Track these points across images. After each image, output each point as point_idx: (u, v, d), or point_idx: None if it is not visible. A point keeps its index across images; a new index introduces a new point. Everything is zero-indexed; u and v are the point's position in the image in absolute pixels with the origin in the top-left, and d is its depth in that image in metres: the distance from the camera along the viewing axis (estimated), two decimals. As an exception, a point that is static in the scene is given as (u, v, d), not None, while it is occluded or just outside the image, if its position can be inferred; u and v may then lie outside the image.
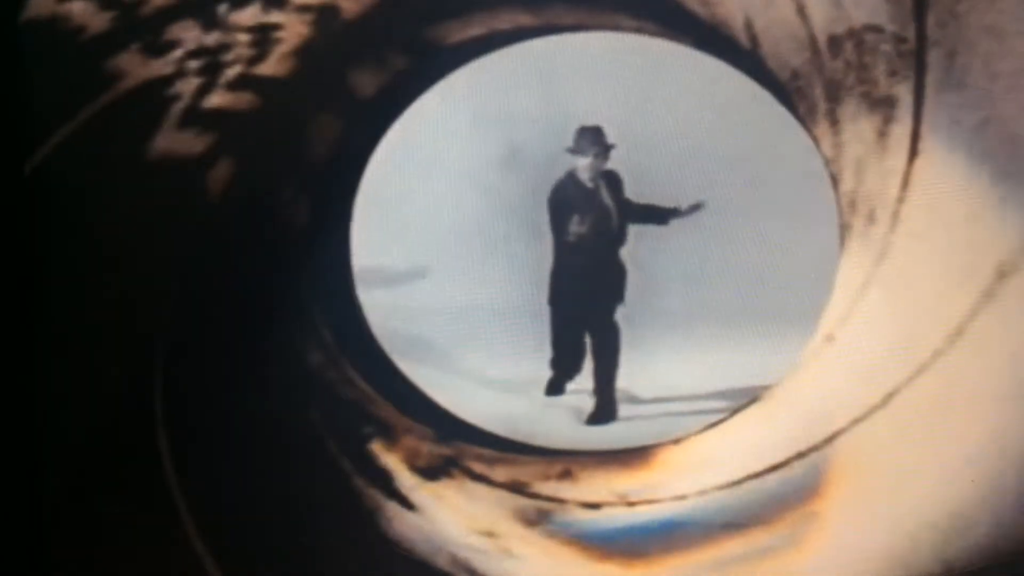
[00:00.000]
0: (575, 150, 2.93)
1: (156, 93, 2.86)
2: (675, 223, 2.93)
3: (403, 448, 2.92)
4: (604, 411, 2.95)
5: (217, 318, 2.89)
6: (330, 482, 2.89)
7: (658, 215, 2.93)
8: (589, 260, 2.95)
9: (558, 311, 2.93)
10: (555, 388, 2.95)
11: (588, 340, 2.96)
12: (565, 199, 2.95)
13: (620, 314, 2.96)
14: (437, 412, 2.93)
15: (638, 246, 2.97)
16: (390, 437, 2.92)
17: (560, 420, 2.94)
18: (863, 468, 2.85)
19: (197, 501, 2.84)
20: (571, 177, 2.95)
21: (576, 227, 2.93)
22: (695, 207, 2.91)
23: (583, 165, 2.94)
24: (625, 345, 2.95)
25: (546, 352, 2.94)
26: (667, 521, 2.88)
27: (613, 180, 2.96)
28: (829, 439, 2.87)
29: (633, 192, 2.98)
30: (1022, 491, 2.81)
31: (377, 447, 2.92)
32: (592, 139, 2.93)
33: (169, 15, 2.87)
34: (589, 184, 2.95)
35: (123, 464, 2.84)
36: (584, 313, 2.95)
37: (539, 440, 2.93)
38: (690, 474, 2.89)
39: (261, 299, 2.89)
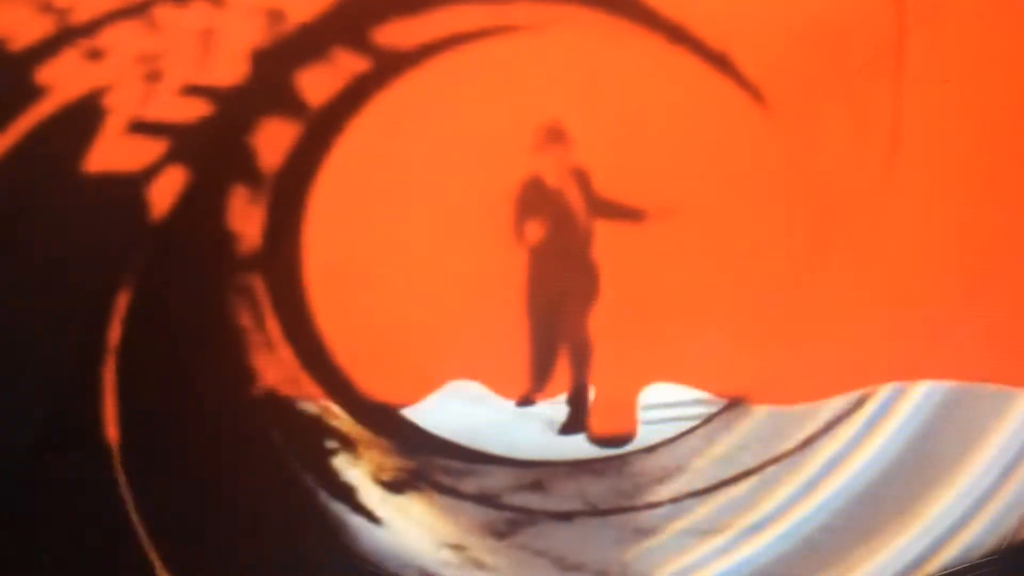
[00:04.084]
0: (536, 150, 2.80)
1: (92, 104, 2.70)
2: (648, 223, 2.82)
3: (368, 462, 2.85)
4: (576, 420, 2.87)
5: (168, 337, 2.78)
6: (293, 499, 2.82)
7: (630, 213, 2.82)
8: (559, 264, 2.84)
9: (532, 319, 2.83)
10: (526, 399, 2.87)
11: (561, 348, 2.87)
12: (525, 203, 2.83)
13: (592, 321, 2.87)
14: (402, 425, 2.85)
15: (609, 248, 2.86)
16: (354, 451, 2.84)
17: (530, 430, 2.87)
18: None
19: (154, 525, 2.76)
20: (533, 180, 2.83)
21: (533, 232, 2.82)
22: (666, 211, 2.80)
23: (546, 165, 2.82)
24: (598, 353, 2.86)
25: (517, 361, 2.85)
26: (639, 529, 2.84)
27: (581, 177, 2.84)
28: (804, 444, 2.83)
29: (602, 190, 2.86)
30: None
31: (341, 462, 2.84)
32: (552, 138, 2.80)
33: (105, 20, 2.71)
34: (552, 185, 2.84)
35: (72, 491, 2.76)
36: (557, 320, 2.85)
37: (508, 451, 2.86)
38: (663, 482, 2.85)
39: (213, 315, 2.78)
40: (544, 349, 2.86)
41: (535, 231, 2.84)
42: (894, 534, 2.81)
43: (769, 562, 2.81)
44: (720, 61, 2.78)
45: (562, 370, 2.88)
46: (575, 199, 2.85)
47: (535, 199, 2.83)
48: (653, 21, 2.77)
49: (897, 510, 2.81)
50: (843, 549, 2.81)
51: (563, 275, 2.86)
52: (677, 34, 2.77)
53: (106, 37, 2.72)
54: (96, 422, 2.73)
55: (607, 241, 2.85)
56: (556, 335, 2.86)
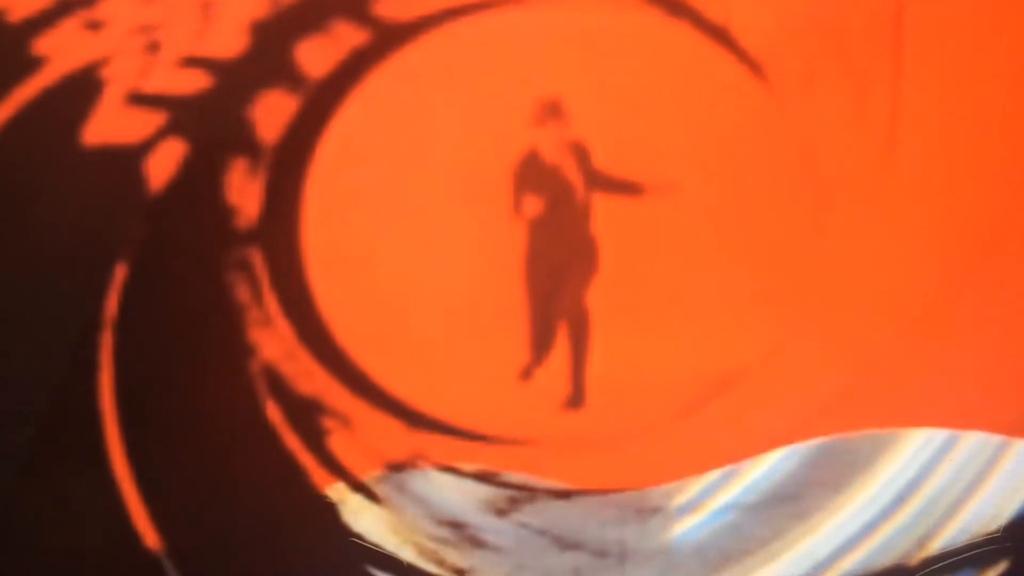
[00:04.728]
0: (535, 124, 2.79)
1: (91, 76, 2.69)
2: (646, 197, 2.81)
3: (367, 440, 2.82)
4: (577, 395, 2.85)
5: (167, 310, 2.76)
6: (292, 477, 2.79)
7: (629, 187, 2.81)
8: (556, 238, 2.83)
9: (531, 293, 2.82)
10: (527, 372, 2.85)
11: (561, 323, 2.85)
12: (522, 178, 2.82)
13: (592, 295, 2.85)
14: (400, 402, 2.83)
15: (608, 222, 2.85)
16: (353, 429, 2.82)
17: (529, 406, 2.84)
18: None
19: (152, 500, 2.73)
20: (532, 154, 2.82)
21: (531, 206, 2.81)
22: (665, 186, 2.79)
23: (544, 139, 2.81)
24: (597, 328, 2.84)
25: (517, 336, 2.83)
26: (641, 508, 2.81)
27: (580, 151, 2.83)
28: (806, 427, 2.82)
29: (601, 164, 2.85)
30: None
31: (339, 440, 2.81)
32: (551, 112, 2.79)
33: (103, -9, 2.70)
34: (551, 159, 2.82)
35: (70, 465, 2.73)
36: (556, 294, 2.84)
37: (507, 427, 2.84)
38: (663, 461, 2.82)
39: (213, 290, 2.76)
40: (543, 322, 2.84)
41: (533, 205, 2.82)
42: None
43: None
44: (720, 35, 2.78)
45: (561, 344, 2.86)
46: (573, 173, 2.84)
47: (533, 173, 2.82)
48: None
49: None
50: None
51: (562, 249, 2.84)
52: (677, 7, 2.77)
53: (105, 8, 2.71)
54: (93, 394, 2.71)
55: (606, 215, 2.84)
56: (555, 308, 2.85)
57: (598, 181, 2.83)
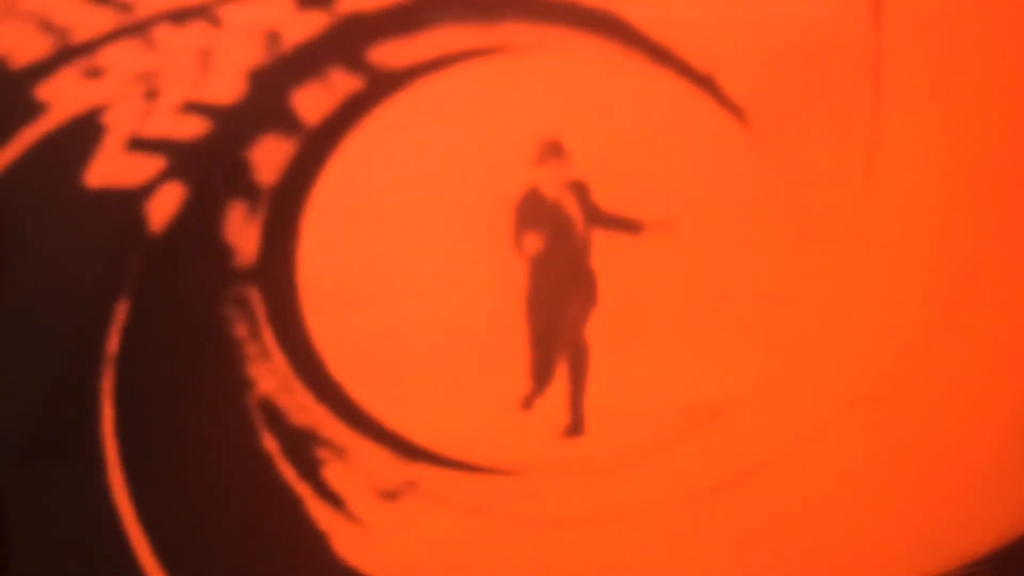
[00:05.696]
0: (536, 163, 2.88)
1: (92, 121, 2.77)
2: (644, 234, 2.90)
3: (361, 471, 2.91)
4: (576, 424, 2.94)
5: (167, 346, 2.84)
6: (286, 508, 2.88)
7: (627, 224, 2.90)
8: (557, 273, 2.92)
9: (533, 325, 2.91)
10: (528, 402, 2.94)
11: (561, 354, 2.95)
12: (523, 215, 2.90)
13: (590, 328, 2.94)
14: (395, 434, 2.92)
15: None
16: (347, 461, 2.91)
17: (528, 436, 2.93)
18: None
19: (150, 531, 2.82)
20: (532, 192, 2.91)
21: (531, 243, 2.90)
22: (665, 224, 2.88)
23: (544, 177, 2.90)
24: (594, 359, 2.93)
25: (514, 368, 2.92)
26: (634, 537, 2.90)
27: (579, 189, 2.92)
28: (791, 455, 2.90)
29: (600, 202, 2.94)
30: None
31: (334, 471, 2.90)
32: (551, 151, 2.88)
33: (104, 39, 2.77)
34: (551, 196, 2.91)
35: (71, 498, 2.82)
36: (557, 327, 2.93)
37: (504, 457, 2.93)
38: (655, 489, 2.91)
39: (211, 326, 2.84)
40: (544, 354, 2.93)
41: (535, 241, 2.91)
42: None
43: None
44: (704, 82, 2.85)
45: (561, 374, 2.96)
46: (573, 210, 2.92)
47: (535, 210, 2.91)
48: (639, 42, 2.85)
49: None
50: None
51: (562, 283, 2.93)
52: (663, 55, 2.85)
53: (105, 55, 2.78)
54: (94, 430, 2.79)
55: (605, 250, 2.93)
56: (555, 341, 2.94)
57: (598, 217, 2.92)
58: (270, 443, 2.87)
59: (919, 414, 2.91)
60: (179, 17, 2.79)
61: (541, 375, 2.94)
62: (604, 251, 2.92)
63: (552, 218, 2.92)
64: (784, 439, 2.91)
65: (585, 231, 2.93)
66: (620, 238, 2.91)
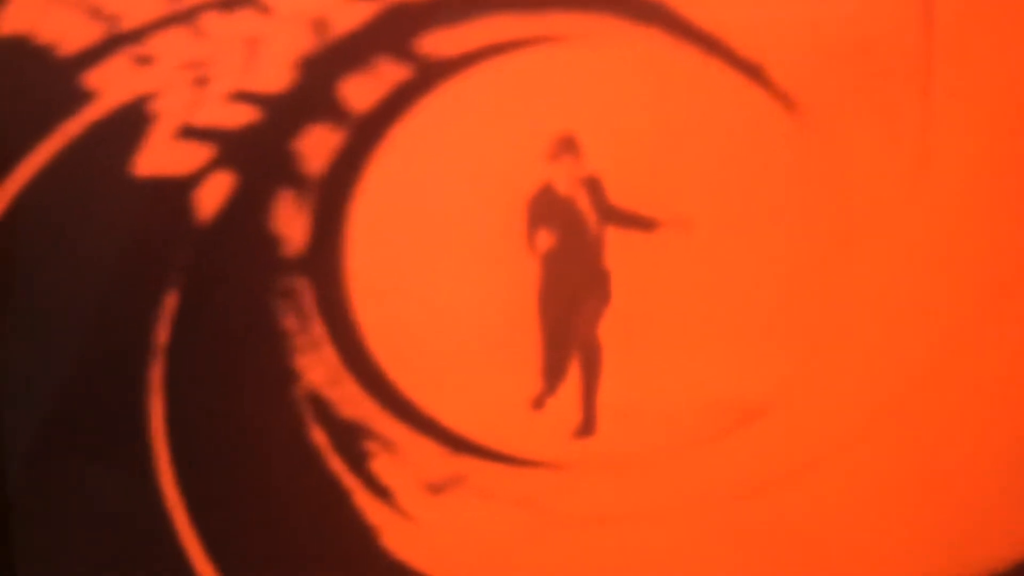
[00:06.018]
0: (550, 159, 2.86)
1: (141, 109, 2.76)
2: (662, 232, 2.87)
3: (409, 464, 2.89)
4: (588, 423, 2.92)
5: (216, 337, 2.83)
6: (334, 501, 2.86)
7: (642, 222, 2.88)
8: (571, 270, 2.90)
9: (546, 324, 2.89)
10: (539, 401, 2.92)
11: (574, 352, 2.92)
12: (536, 212, 2.89)
13: (603, 326, 2.91)
14: (442, 428, 2.90)
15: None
16: (395, 454, 2.89)
17: (544, 434, 2.90)
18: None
19: (201, 523, 2.80)
20: (546, 188, 2.89)
21: (543, 240, 2.88)
22: (681, 222, 2.86)
23: (558, 174, 2.88)
24: (608, 357, 2.91)
25: (535, 365, 2.90)
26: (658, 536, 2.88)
27: (594, 186, 2.90)
28: (817, 459, 2.87)
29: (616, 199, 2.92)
30: None
31: (382, 464, 2.88)
32: (565, 147, 2.86)
33: (153, 26, 2.76)
34: (564, 193, 2.89)
35: (121, 489, 2.80)
36: (570, 324, 2.90)
37: (547, 452, 2.90)
38: (676, 489, 2.88)
39: (259, 318, 2.83)
40: (556, 351, 2.91)
41: (539, 240, 2.89)
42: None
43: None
44: (753, 71, 2.84)
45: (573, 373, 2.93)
46: (584, 206, 2.90)
47: (543, 209, 2.89)
48: (688, 32, 2.84)
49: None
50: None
51: (576, 281, 2.91)
52: (712, 45, 2.84)
53: (154, 43, 2.78)
54: (143, 422, 2.78)
55: (629, 250, 2.90)
56: (568, 339, 2.91)
57: (612, 215, 2.90)
58: (318, 436, 2.85)
59: (948, 423, 2.87)
60: (227, 5, 2.78)
61: (553, 373, 2.91)
62: (623, 247, 2.90)
63: (558, 217, 2.90)
64: (813, 444, 2.87)
65: (598, 228, 2.91)
66: (638, 235, 2.88)
